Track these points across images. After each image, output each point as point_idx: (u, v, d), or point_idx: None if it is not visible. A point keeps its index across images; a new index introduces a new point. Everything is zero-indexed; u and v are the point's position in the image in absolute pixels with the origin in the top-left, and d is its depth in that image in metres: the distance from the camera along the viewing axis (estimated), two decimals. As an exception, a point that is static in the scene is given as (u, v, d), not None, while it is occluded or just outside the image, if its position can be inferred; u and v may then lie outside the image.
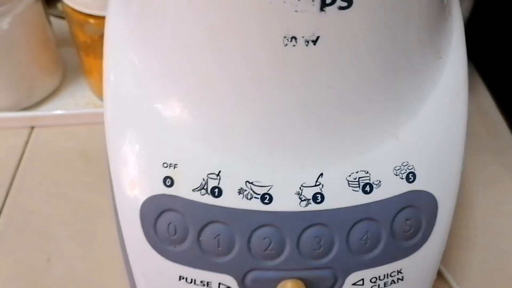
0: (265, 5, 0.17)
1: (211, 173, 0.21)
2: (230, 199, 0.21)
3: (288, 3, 0.17)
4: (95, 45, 0.39)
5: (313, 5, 0.17)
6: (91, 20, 0.37)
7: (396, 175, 0.21)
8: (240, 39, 0.18)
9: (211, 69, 0.19)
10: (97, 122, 0.41)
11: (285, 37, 0.18)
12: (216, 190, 0.21)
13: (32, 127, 0.41)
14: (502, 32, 0.45)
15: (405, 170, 0.21)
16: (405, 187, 0.21)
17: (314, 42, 0.18)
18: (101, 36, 0.38)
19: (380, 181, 0.21)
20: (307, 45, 0.18)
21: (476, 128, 0.41)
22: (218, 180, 0.21)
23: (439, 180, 0.21)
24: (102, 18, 0.36)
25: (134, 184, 0.22)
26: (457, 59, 0.22)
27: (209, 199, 0.21)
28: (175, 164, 0.21)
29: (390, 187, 0.21)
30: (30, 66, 0.40)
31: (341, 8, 0.17)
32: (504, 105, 0.44)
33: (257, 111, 0.20)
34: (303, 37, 0.18)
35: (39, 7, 0.39)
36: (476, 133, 0.41)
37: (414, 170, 0.21)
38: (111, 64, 0.24)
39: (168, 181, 0.21)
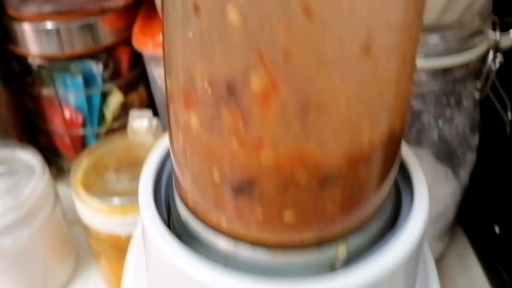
0: None
1: None
2: None
3: None
4: (108, 252, 0.42)
5: None
6: (105, 237, 0.40)
7: None
8: None
9: None
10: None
11: None
12: None
13: (46, 324, 0.43)
14: (496, 207, 0.48)
15: None
16: None
17: None
18: (113, 246, 0.41)
19: None
20: None
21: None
22: None
23: None
24: (116, 236, 0.39)
25: None
26: None
27: None
28: None
29: None
30: (46, 267, 0.43)
31: None
32: (496, 282, 0.46)
33: None
34: None
35: (58, 215, 0.43)
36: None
37: None
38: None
39: None
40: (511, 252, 0.46)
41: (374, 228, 0.21)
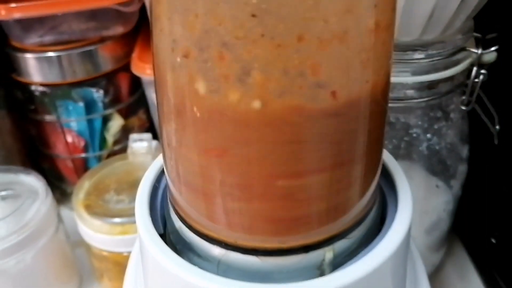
0: None
1: None
2: None
3: None
4: (110, 271, 0.43)
5: None
6: (107, 255, 0.41)
7: None
8: None
9: None
10: None
11: None
12: None
13: None
14: (491, 217, 0.48)
15: None
16: None
17: None
18: (115, 264, 0.42)
19: None
20: None
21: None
22: None
23: None
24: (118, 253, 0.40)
25: None
26: None
27: None
28: None
29: None
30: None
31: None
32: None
33: None
34: None
35: (61, 237, 0.44)
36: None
37: None
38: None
39: None
40: (507, 262, 0.46)
41: (359, 233, 0.22)
